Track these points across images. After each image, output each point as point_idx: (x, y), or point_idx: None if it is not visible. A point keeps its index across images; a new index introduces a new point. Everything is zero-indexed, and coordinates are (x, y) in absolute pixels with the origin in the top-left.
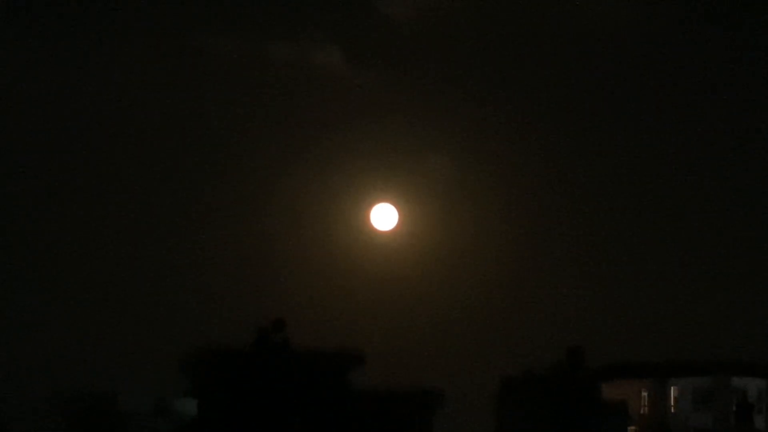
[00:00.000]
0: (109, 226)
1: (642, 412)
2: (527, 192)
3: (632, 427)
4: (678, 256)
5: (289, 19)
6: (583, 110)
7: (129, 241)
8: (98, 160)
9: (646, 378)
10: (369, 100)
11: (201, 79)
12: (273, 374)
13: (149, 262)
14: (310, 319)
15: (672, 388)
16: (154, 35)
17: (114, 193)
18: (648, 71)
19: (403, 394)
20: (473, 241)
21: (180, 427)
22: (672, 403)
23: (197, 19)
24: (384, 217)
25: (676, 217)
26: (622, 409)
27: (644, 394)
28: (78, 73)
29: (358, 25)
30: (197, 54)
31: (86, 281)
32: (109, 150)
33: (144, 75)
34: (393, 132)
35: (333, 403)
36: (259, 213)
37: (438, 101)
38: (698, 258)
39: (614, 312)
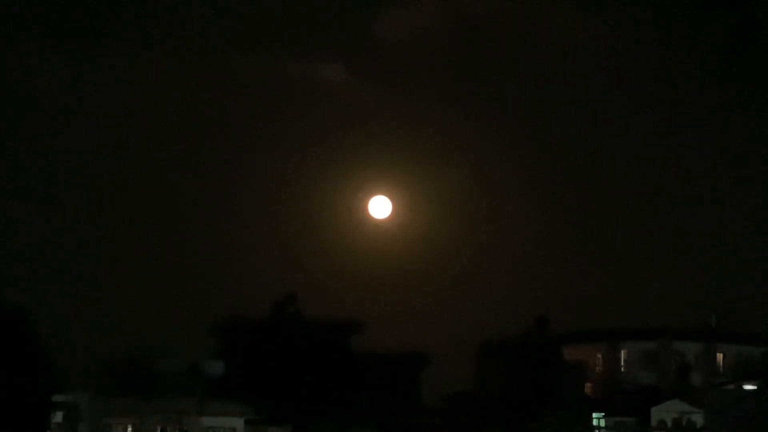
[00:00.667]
0: (151, 216)
1: (597, 370)
2: (502, 185)
3: (589, 384)
4: (629, 239)
5: (300, 40)
6: (554, 112)
7: (169, 228)
8: (139, 155)
9: (600, 342)
10: (367, 109)
11: (225, 89)
12: (287, 340)
13: (187, 249)
14: (318, 294)
15: (622, 351)
16: (184, 53)
17: (156, 190)
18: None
19: (396, 356)
20: (456, 227)
21: (209, 385)
22: (622, 364)
23: (221, 40)
24: (380, 207)
25: (626, 203)
26: (581, 368)
27: (599, 356)
28: (108, 84)
29: (357, 45)
30: (222, 69)
31: (132, 262)
32: (148, 147)
33: (178, 86)
34: (388, 136)
35: (337, 363)
36: (275, 205)
37: (426, 109)
38: (645, 240)
39: (574, 287)
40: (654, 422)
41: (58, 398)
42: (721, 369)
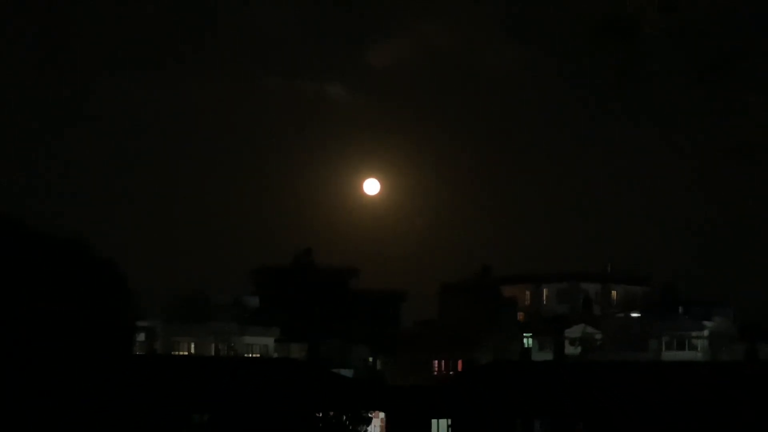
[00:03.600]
0: (211, 191)
1: (526, 304)
2: (459, 172)
3: (520, 313)
4: (551, 204)
5: (308, 65)
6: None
7: (221, 203)
8: (193, 147)
9: (528, 284)
10: (361, 116)
11: (251, 101)
12: (304, 282)
13: (233, 218)
14: (325, 251)
15: (544, 290)
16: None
17: (209, 177)
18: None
19: (382, 293)
20: (427, 200)
21: (249, 314)
22: (544, 299)
23: (249, 64)
24: (372, 186)
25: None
26: (513, 302)
27: (527, 293)
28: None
29: (354, 69)
30: (249, 86)
31: (195, 222)
32: (198, 141)
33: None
34: (377, 135)
35: (339, 299)
36: (295, 186)
37: (407, 117)
38: (562, 200)
39: (510, 242)
40: (566, 339)
41: (140, 323)
42: (614, 303)
